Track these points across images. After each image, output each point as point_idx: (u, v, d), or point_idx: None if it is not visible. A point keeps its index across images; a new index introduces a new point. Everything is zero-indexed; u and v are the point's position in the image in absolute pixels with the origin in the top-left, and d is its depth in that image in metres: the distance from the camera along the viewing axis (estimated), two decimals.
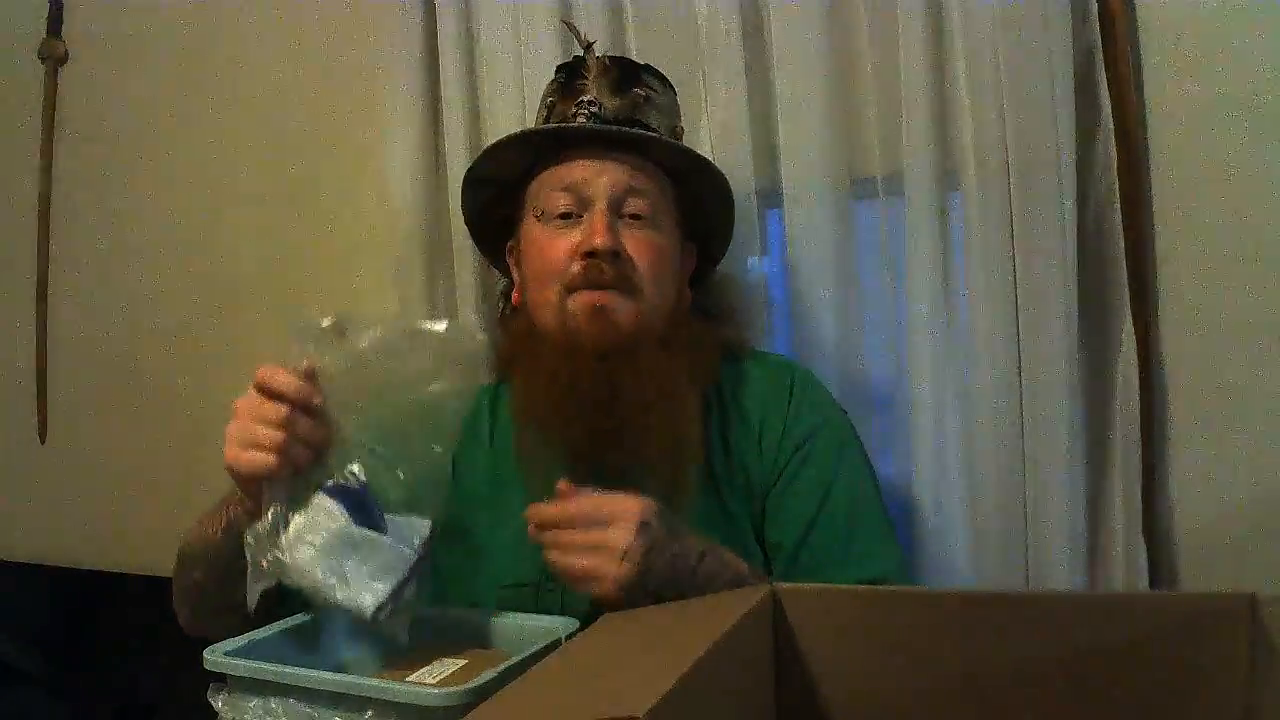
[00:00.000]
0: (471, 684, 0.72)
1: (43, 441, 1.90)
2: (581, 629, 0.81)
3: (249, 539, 0.81)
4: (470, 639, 0.88)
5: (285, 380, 0.82)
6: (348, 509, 0.81)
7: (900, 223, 1.18)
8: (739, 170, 1.24)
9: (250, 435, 0.82)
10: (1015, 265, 1.13)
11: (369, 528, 0.82)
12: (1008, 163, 1.12)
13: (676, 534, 0.87)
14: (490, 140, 1.35)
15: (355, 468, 0.84)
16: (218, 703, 0.80)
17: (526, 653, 0.78)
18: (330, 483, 0.83)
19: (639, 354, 0.97)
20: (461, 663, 0.83)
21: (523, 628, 0.88)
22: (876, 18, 1.19)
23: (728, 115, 1.24)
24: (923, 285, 1.17)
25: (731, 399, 1.05)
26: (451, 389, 0.85)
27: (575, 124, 1.00)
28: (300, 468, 0.83)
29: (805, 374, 1.08)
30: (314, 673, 0.77)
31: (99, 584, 1.83)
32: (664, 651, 0.65)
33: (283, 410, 0.81)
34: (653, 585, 0.84)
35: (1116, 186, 1.11)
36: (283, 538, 0.80)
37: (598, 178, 0.99)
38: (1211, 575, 1.13)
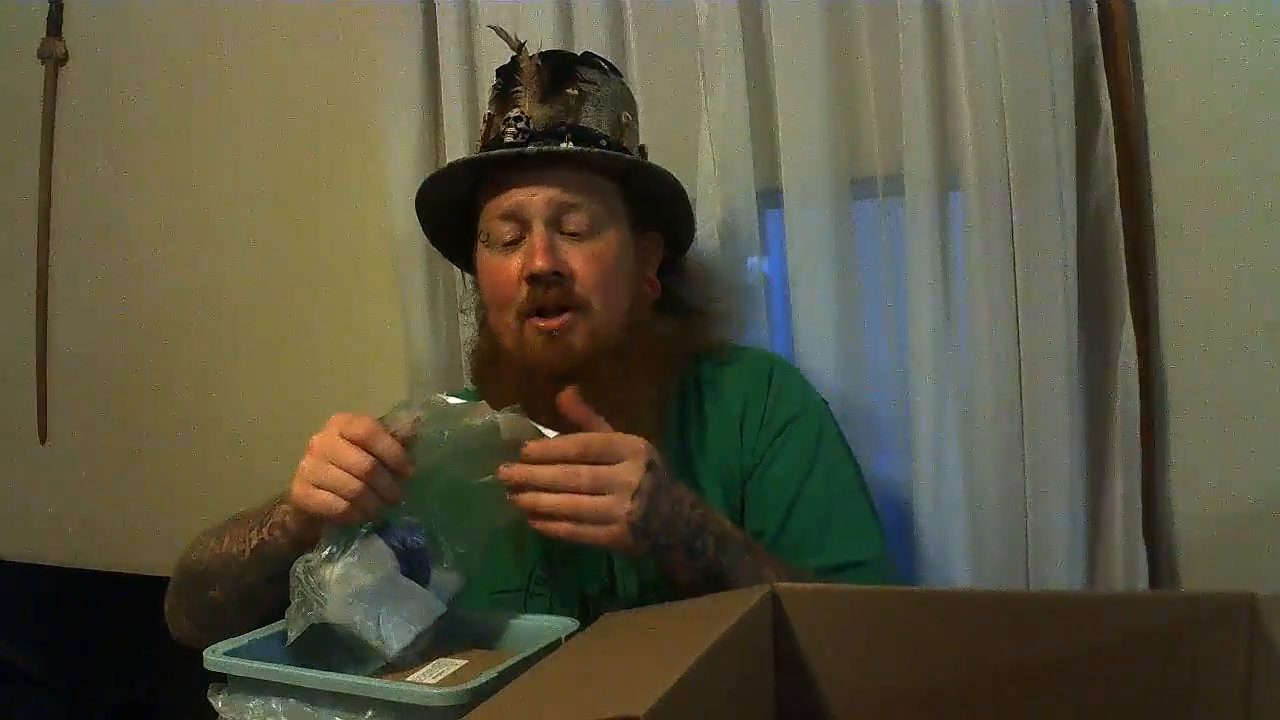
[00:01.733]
0: (471, 684, 0.72)
1: (43, 441, 1.90)
2: (581, 629, 0.81)
3: (299, 570, 0.82)
4: (470, 639, 0.88)
5: (388, 445, 0.82)
6: (399, 555, 0.83)
7: (900, 223, 1.18)
8: (739, 170, 1.24)
9: (327, 477, 0.82)
10: (1015, 265, 1.13)
11: (414, 575, 0.84)
12: (1008, 163, 1.12)
13: (672, 478, 0.87)
14: None
15: (414, 520, 0.86)
16: (218, 703, 0.80)
17: (526, 653, 0.78)
18: (388, 526, 0.85)
19: (595, 373, 0.97)
20: (461, 663, 0.83)
21: (523, 628, 0.88)
22: (876, 17, 1.19)
23: (728, 115, 1.24)
24: (923, 285, 1.17)
25: (710, 395, 1.05)
26: None
27: (502, 147, 0.99)
28: (368, 517, 0.83)
29: (784, 365, 1.08)
30: (314, 673, 0.77)
31: (99, 584, 1.83)
32: (664, 651, 0.65)
33: (367, 463, 0.81)
34: (656, 526, 0.83)
35: (1116, 186, 1.11)
36: (331, 574, 0.82)
37: (532, 199, 0.98)
38: (1211, 575, 1.13)
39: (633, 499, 0.82)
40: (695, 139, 1.25)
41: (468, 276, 1.17)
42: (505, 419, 0.84)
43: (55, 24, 1.81)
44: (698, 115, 1.26)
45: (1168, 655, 0.64)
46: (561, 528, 0.83)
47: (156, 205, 1.75)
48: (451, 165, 1.05)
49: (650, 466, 0.84)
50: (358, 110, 1.52)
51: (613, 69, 1.08)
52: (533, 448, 0.83)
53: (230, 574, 0.93)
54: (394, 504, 0.84)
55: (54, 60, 1.81)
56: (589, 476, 0.82)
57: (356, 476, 0.81)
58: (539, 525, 0.84)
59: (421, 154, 1.42)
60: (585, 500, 0.82)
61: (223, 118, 1.68)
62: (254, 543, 0.91)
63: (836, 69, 1.20)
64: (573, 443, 0.83)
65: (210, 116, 1.68)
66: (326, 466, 0.82)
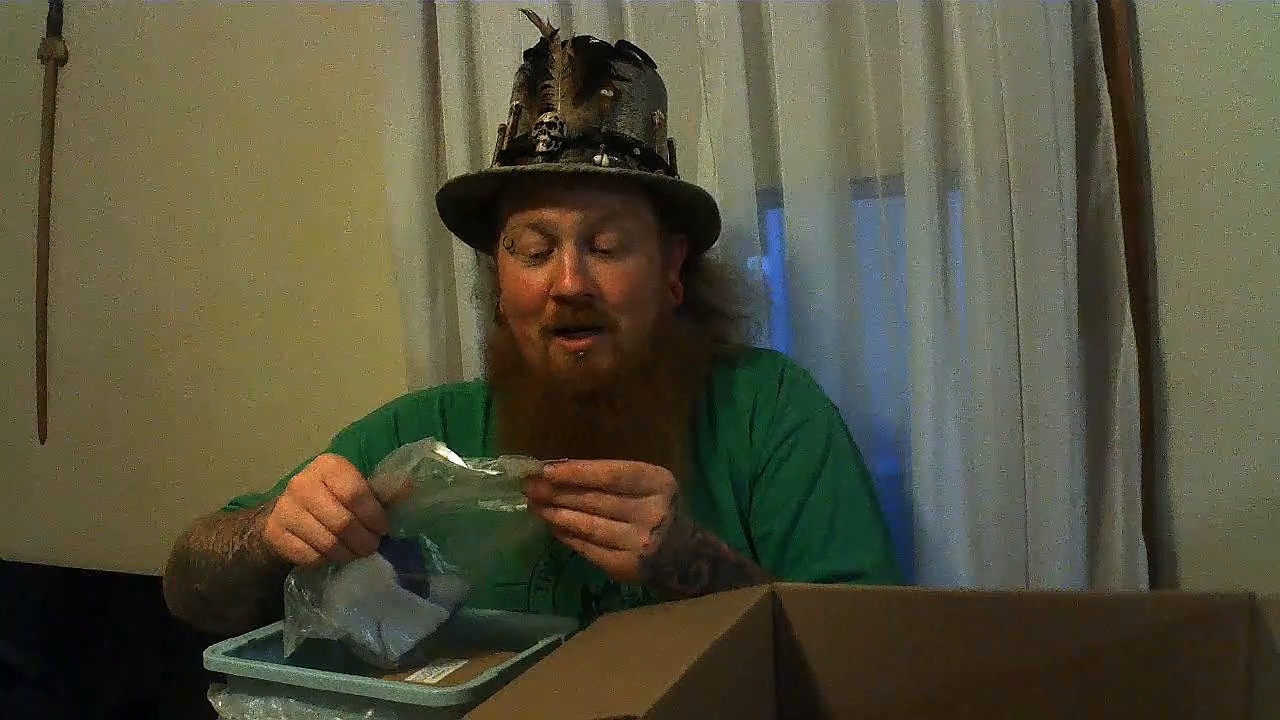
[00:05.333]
0: (471, 684, 0.72)
1: (43, 441, 1.91)
2: (580, 629, 0.81)
3: (292, 584, 0.82)
4: (470, 639, 0.88)
5: (370, 511, 0.80)
6: (397, 566, 0.82)
7: (900, 223, 1.18)
8: (739, 170, 1.24)
9: (300, 525, 0.81)
10: (1015, 265, 1.13)
11: (412, 583, 0.83)
12: (1008, 163, 1.11)
13: (685, 508, 0.87)
14: (489, 140, 1.36)
15: (413, 535, 0.85)
16: (218, 703, 0.80)
17: (526, 653, 0.79)
18: (386, 539, 0.83)
19: (619, 391, 0.96)
20: (461, 663, 0.83)
21: (523, 628, 0.88)
22: (876, 17, 1.19)
23: (728, 115, 1.24)
24: (923, 285, 1.17)
25: (722, 394, 1.04)
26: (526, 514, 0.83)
27: (534, 154, 0.96)
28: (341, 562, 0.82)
29: (796, 368, 1.08)
30: (314, 673, 0.77)
31: (99, 584, 1.83)
32: (664, 651, 0.65)
33: (343, 519, 0.80)
34: (664, 559, 0.82)
35: (1116, 186, 1.11)
36: (327, 589, 0.81)
37: (564, 218, 0.95)
38: (1211, 575, 1.13)
39: (652, 534, 0.81)
40: (695, 139, 1.25)
41: (474, 261, 1.15)
42: (509, 464, 0.81)
43: (55, 24, 1.81)
44: (698, 115, 1.25)
45: (1168, 655, 0.64)
46: (574, 543, 0.83)
47: (156, 205, 1.75)
48: (481, 174, 1.02)
49: (674, 502, 0.83)
50: (358, 110, 1.52)
51: (646, 59, 1.05)
52: (560, 469, 0.81)
53: (214, 572, 0.93)
54: (368, 553, 0.82)
55: (54, 60, 1.81)
56: (612, 504, 0.81)
57: (331, 530, 0.80)
58: (556, 533, 0.83)
59: (422, 154, 1.42)
60: (601, 524, 0.81)
61: (222, 117, 1.68)
62: (236, 547, 0.90)
63: (836, 69, 1.20)
64: (603, 469, 0.81)
65: (210, 116, 1.68)
66: (303, 513, 0.81)
